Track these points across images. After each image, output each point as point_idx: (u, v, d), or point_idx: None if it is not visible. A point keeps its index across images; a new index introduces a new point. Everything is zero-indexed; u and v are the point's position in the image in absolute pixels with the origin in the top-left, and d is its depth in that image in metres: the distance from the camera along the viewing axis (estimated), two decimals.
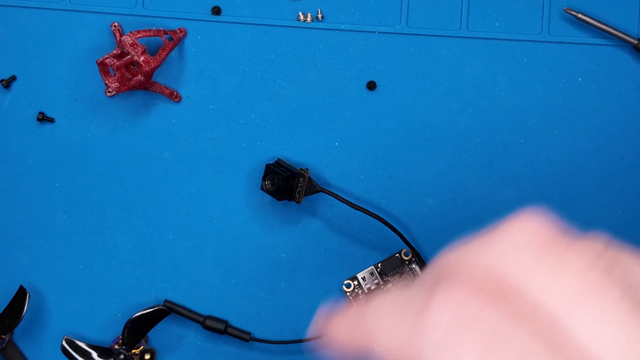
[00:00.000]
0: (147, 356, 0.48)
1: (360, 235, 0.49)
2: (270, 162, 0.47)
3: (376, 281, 0.48)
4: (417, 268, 0.48)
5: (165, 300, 0.49)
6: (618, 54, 0.49)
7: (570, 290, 0.26)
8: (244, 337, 0.48)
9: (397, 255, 0.48)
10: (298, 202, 0.46)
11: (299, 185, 0.46)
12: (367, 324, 0.28)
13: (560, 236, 0.26)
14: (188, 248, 0.49)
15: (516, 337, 0.24)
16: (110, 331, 0.49)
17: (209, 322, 0.48)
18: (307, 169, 0.46)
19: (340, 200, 0.46)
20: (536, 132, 0.49)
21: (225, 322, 0.48)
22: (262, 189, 0.46)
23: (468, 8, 0.49)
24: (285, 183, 0.45)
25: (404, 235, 0.48)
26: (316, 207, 0.49)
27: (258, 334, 0.49)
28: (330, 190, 0.46)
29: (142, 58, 0.46)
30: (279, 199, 0.46)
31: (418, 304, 0.26)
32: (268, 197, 0.49)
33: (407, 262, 0.48)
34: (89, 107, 0.49)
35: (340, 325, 0.30)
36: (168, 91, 0.49)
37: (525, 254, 0.26)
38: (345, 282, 0.48)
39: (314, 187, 0.46)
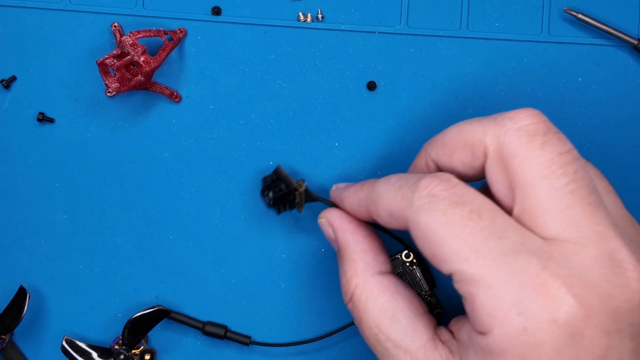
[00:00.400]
0: (147, 356, 0.48)
1: None
2: (267, 175, 0.45)
3: None
4: (419, 270, 0.48)
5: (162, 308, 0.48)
6: (618, 54, 0.49)
7: (547, 164, 0.33)
8: (244, 341, 0.48)
9: (398, 256, 0.48)
10: (299, 211, 0.45)
11: (296, 198, 0.44)
12: (374, 195, 0.37)
13: (549, 126, 0.34)
14: (188, 248, 0.49)
15: (485, 201, 0.33)
16: (110, 331, 0.49)
17: (208, 328, 0.48)
18: (303, 180, 0.44)
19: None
20: None
21: (224, 327, 0.48)
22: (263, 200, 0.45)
23: (468, 8, 0.49)
24: (281, 199, 0.44)
25: (403, 239, 0.47)
26: (316, 208, 0.49)
27: (258, 334, 0.49)
28: (327, 199, 0.44)
29: (142, 58, 0.46)
30: (279, 213, 0.45)
31: (411, 183, 0.34)
32: None
33: (407, 264, 0.48)
34: (89, 108, 0.50)
35: (353, 194, 0.40)
36: (168, 91, 0.49)
37: (520, 133, 0.34)
38: None
39: (311, 197, 0.45)
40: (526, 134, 0.34)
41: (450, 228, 0.32)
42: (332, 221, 0.41)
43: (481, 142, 0.35)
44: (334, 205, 0.43)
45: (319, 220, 0.42)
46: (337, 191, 0.42)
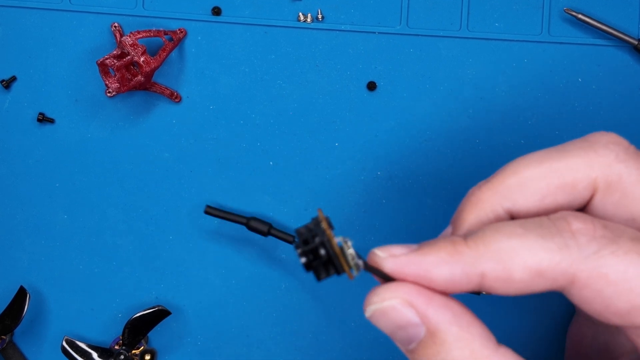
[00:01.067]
0: (147, 357, 0.48)
1: (362, 235, 0.49)
2: (303, 226, 0.31)
3: None
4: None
5: (207, 206, 0.48)
6: (618, 54, 0.49)
7: None
8: (289, 239, 0.47)
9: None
10: (350, 278, 0.30)
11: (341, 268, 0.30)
12: (499, 253, 0.28)
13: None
14: (188, 249, 0.49)
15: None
16: (111, 332, 0.49)
17: (253, 223, 0.47)
18: (346, 240, 0.30)
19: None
20: (536, 132, 0.49)
21: (268, 224, 0.47)
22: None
23: (468, 8, 0.49)
24: (319, 266, 0.30)
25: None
26: (316, 208, 0.49)
27: (257, 334, 0.49)
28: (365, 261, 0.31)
29: (142, 58, 0.46)
30: (319, 280, 0.31)
31: (558, 229, 0.28)
32: (268, 198, 0.49)
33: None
34: (89, 108, 0.50)
35: (449, 260, 0.29)
36: (168, 92, 0.49)
37: (629, 158, 0.31)
38: None
39: (365, 266, 0.30)
40: (637, 156, 0.31)
41: None
42: (415, 299, 0.29)
43: (587, 177, 0.30)
44: (390, 279, 0.30)
45: (380, 306, 0.29)
46: (407, 260, 0.29)
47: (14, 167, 0.49)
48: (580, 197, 0.31)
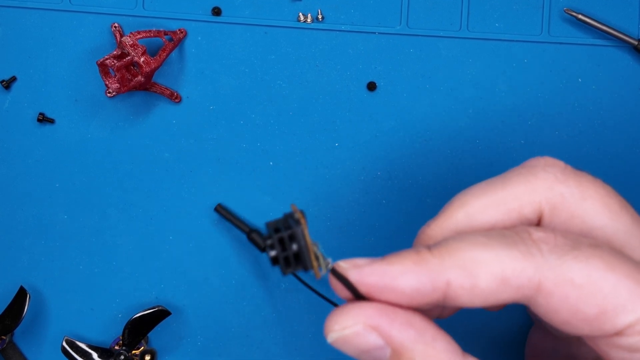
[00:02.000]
0: (147, 357, 0.48)
1: (362, 235, 0.49)
2: (274, 220, 0.30)
3: None
4: None
5: (219, 204, 0.49)
6: (618, 54, 0.49)
7: (613, 196, 0.31)
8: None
9: None
10: (317, 277, 0.29)
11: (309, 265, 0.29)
12: (463, 262, 0.28)
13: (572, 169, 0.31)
14: (188, 249, 0.49)
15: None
16: (111, 332, 0.49)
17: (254, 235, 0.48)
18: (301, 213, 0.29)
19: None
20: (536, 132, 0.49)
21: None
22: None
23: (468, 9, 0.49)
24: (288, 259, 0.29)
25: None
26: (316, 208, 0.49)
27: (257, 334, 0.49)
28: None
29: (142, 59, 0.46)
30: (284, 274, 0.29)
31: (522, 238, 0.28)
32: (268, 198, 0.49)
33: None
34: (89, 108, 0.50)
35: (414, 269, 0.28)
36: (168, 92, 0.49)
37: (567, 178, 0.31)
38: None
39: (337, 276, 0.29)
40: (574, 175, 0.31)
41: (619, 270, 0.27)
42: (377, 321, 0.28)
43: (531, 201, 0.31)
44: (358, 296, 0.29)
45: (342, 334, 0.28)
46: (372, 269, 0.28)
47: (14, 167, 0.49)
48: (527, 222, 0.31)
